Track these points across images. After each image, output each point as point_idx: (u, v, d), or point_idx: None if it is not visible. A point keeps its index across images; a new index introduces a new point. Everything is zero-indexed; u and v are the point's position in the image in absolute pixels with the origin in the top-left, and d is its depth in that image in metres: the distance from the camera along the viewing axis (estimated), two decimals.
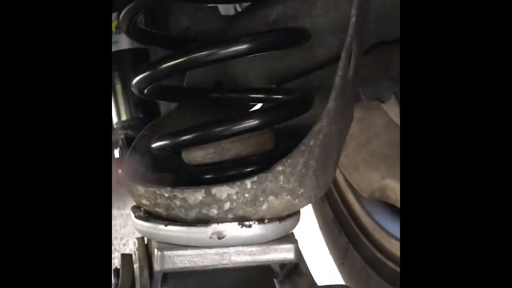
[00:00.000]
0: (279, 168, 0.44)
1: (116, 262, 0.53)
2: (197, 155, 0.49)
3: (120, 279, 0.51)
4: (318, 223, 1.00)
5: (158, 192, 0.44)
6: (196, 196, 0.43)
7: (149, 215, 0.47)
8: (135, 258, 0.49)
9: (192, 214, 0.44)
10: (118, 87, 0.67)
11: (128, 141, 0.67)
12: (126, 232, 1.66)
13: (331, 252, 0.96)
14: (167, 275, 0.49)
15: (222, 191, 0.43)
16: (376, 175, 0.75)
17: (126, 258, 0.52)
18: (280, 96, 0.57)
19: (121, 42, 0.68)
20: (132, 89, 0.52)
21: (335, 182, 0.93)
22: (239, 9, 0.74)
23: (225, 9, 0.70)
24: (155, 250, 0.44)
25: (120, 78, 0.68)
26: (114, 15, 0.61)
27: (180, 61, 0.45)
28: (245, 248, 0.46)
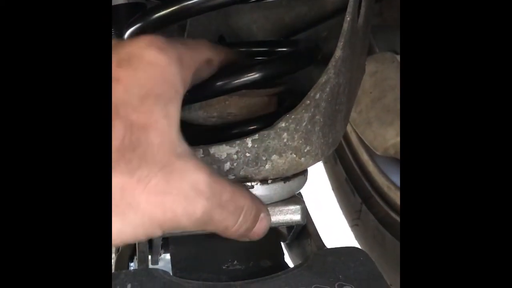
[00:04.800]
0: (282, 124, 0.40)
1: None
2: (198, 116, 0.46)
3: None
4: (330, 183, 0.97)
5: None
6: None
7: None
8: None
9: None
10: None
11: None
12: None
13: (344, 213, 0.94)
14: (167, 241, 0.47)
15: (221, 151, 0.40)
16: (390, 132, 0.71)
17: None
18: (284, 49, 0.53)
19: None
20: None
21: (347, 140, 0.90)
22: None
23: None
24: None
25: (117, 36, 0.64)
26: None
27: (171, 10, 0.41)
28: None
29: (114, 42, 0.32)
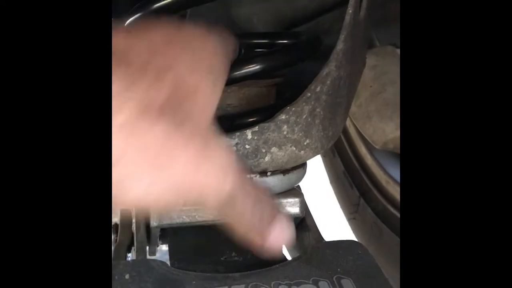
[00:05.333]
0: (283, 117, 0.40)
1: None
2: None
3: (118, 235, 0.49)
4: (328, 176, 0.98)
5: None
6: None
7: None
8: (132, 213, 0.47)
9: None
10: None
11: None
12: None
13: (341, 207, 0.94)
14: (165, 231, 0.46)
15: None
16: (390, 126, 0.71)
17: (125, 213, 0.50)
18: (285, 41, 0.52)
19: None
20: None
21: (346, 134, 0.90)
22: None
23: None
24: None
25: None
26: None
27: (173, 0, 0.41)
28: None
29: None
